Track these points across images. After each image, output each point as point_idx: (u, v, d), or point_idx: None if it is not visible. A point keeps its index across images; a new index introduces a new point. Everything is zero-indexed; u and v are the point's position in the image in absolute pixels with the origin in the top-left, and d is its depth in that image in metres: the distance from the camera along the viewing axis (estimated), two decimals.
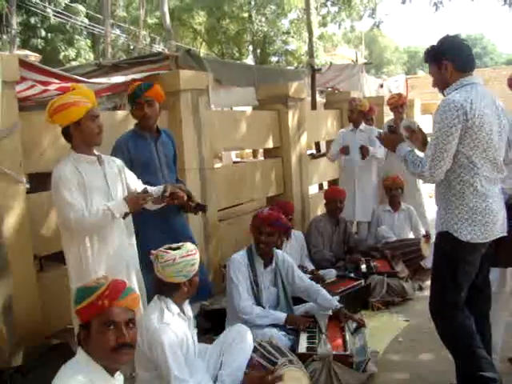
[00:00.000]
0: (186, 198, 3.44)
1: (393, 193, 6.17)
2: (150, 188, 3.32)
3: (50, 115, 3.03)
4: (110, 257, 3.10)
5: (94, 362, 2.01)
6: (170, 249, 2.90)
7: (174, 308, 2.88)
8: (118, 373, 2.17)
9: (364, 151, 6.21)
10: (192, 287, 2.94)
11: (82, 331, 2.06)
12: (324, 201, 5.83)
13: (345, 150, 6.33)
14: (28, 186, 3.60)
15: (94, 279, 2.15)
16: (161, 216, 3.61)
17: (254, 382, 2.88)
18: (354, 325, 3.86)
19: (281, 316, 3.74)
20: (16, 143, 3.46)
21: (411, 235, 6.18)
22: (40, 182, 5.20)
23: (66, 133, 3.08)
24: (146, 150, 3.74)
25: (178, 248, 2.90)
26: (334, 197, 5.65)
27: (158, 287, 2.92)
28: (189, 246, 2.94)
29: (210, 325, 4.10)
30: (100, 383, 2.00)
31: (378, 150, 6.23)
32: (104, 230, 3.08)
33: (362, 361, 3.43)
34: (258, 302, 3.79)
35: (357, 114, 6.38)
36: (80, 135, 3.05)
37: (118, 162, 3.33)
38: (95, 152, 3.17)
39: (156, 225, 3.65)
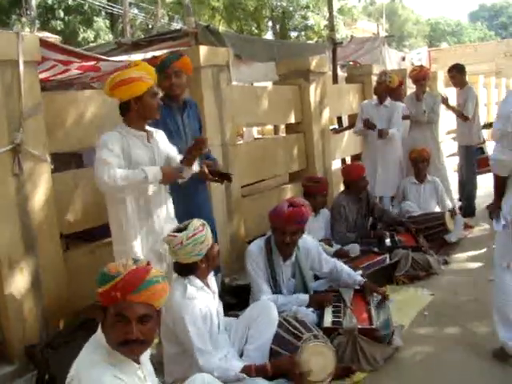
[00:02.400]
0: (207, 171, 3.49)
1: (419, 165, 6.13)
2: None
3: (110, 88, 3.07)
4: (148, 225, 3.18)
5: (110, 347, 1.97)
6: (178, 230, 2.89)
7: (198, 283, 2.90)
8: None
9: (382, 133, 6.00)
10: (211, 261, 2.94)
11: (101, 312, 2.01)
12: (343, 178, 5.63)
13: (369, 124, 6.07)
14: (52, 166, 3.64)
15: (124, 261, 2.04)
16: (183, 191, 3.64)
17: (281, 364, 2.87)
18: (378, 298, 3.85)
19: (304, 298, 3.70)
20: (39, 123, 3.48)
21: (437, 207, 6.13)
22: (63, 162, 5.26)
23: (124, 107, 3.13)
24: (173, 121, 3.77)
25: (185, 228, 2.86)
26: (355, 178, 5.39)
27: (178, 269, 2.93)
28: (195, 223, 2.88)
29: (236, 300, 4.12)
30: (124, 375, 1.96)
31: (396, 132, 6.12)
32: (143, 197, 3.16)
33: (387, 334, 3.43)
34: (277, 292, 3.70)
35: (384, 87, 6.22)
36: (140, 110, 3.12)
37: (162, 134, 3.39)
38: (147, 128, 3.23)
39: (178, 200, 3.68)
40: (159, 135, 3.35)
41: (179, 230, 2.88)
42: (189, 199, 3.74)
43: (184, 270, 2.90)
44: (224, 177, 3.75)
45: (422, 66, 7.24)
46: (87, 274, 3.64)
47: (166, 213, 3.31)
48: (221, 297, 3.20)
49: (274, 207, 3.75)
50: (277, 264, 3.72)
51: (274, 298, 3.54)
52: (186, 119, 3.85)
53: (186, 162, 3.31)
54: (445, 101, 6.89)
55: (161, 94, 3.58)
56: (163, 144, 3.34)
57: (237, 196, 5.17)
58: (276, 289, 3.69)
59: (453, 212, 5.94)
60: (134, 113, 3.12)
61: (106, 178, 2.96)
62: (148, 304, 1.97)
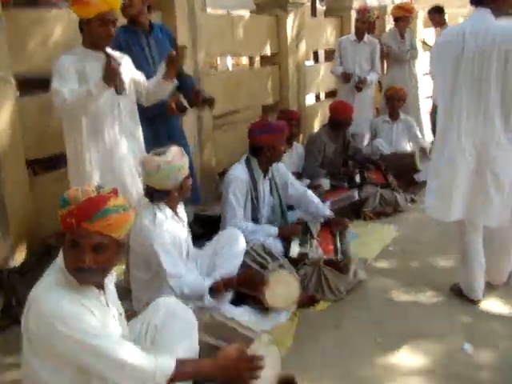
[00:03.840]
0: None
1: (394, 103, 6.06)
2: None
3: (71, 4, 2.97)
4: (105, 153, 3.11)
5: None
6: (157, 154, 2.82)
7: (168, 211, 2.87)
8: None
9: (361, 85, 6.14)
10: (183, 191, 2.91)
11: (63, 236, 1.94)
12: (328, 114, 5.49)
13: (346, 77, 6.17)
14: (18, 94, 3.50)
15: (86, 187, 1.95)
16: (157, 122, 3.62)
17: (247, 277, 2.92)
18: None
19: (273, 230, 3.69)
20: (2, 43, 3.32)
21: (408, 147, 6.16)
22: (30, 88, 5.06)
23: (79, 26, 3.04)
24: (137, 45, 3.65)
25: (164, 153, 2.79)
26: (343, 117, 5.31)
27: (148, 194, 2.88)
28: (174, 150, 2.82)
29: (203, 231, 4.14)
30: (85, 299, 1.92)
31: (373, 76, 6.22)
32: (99, 124, 3.07)
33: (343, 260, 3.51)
34: (256, 216, 3.75)
35: (366, 26, 6.18)
36: (87, 34, 3.01)
37: (128, 59, 3.29)
38: (109, 51, 3.10)
39: (150, 131, 3.61)
40: (124, 60, 3.21)
41: (157, 154, 2.81)
42: (158, 124, 3.69)
43: (155, 195, 2.85)
44: (206, 102, 3.65)
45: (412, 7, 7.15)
46: (55, 201, 3.59)
47: (127, 138, 3.23)
48: (190, 226, 3.20)
49: (269, 128, 3.74)
50: (259, 181, 3.75)
51: (243, 225, 3.56)
52: (153, 44, 3.71)
53: (165, 77, 3.28)
54: None
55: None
56: (127, 68, 3.21)
57: (208, 127, 5.11)
58: (257, 209, 3.73)
59: (424, 151, 5.98)
60: (85, 35, 3.02)
61: (57, 104, 2.93)
62: (104, 234, 1.90)
